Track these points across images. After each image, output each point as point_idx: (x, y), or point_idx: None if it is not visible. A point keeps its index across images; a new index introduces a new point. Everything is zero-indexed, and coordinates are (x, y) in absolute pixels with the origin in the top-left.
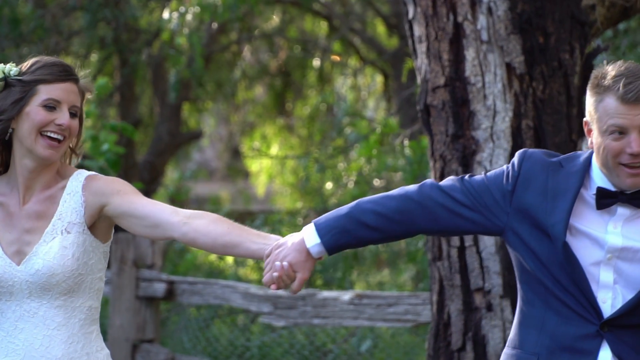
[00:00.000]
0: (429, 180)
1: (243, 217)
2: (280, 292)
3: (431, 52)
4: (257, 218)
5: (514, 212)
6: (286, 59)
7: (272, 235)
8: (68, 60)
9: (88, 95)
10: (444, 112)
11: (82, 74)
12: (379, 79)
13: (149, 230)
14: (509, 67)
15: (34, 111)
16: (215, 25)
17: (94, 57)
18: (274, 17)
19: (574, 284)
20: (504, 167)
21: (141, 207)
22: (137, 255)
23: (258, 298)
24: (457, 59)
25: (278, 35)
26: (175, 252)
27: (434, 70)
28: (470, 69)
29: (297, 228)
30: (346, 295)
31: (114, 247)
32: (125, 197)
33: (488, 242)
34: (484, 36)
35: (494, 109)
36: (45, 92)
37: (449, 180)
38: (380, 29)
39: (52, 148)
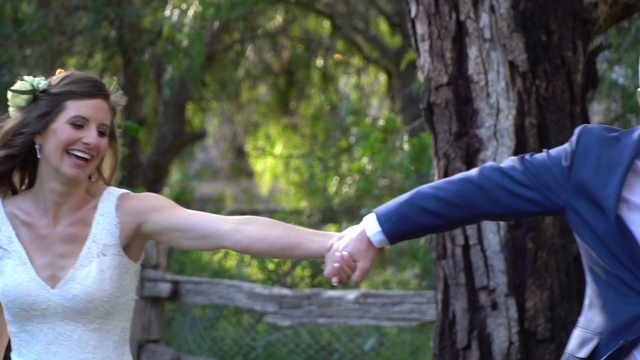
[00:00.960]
0: (490, 162)
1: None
2: (285, 291)
3: (434, 51)
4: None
5: (572, 189)
6: (290, 58)
7: (332, 232)
8: (72, 61)
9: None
10: (447, 111)
11: (113, 88)
12: (383, 77)
13: (196, 243)
14: (512, 65)
15: (61, 128)
16: (217, 23)
17: (98, 57)
18: (277, 16)
19: (631, 259)
20: (566, 144)
21: (184, 220)
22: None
23: (263, 297)
24: (460, 57)
25: (281, 35)
26: (180, 252)
27: (436, 68)
28: (473, 67)
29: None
30: (351, 295)
31: None
32: (163, 213)
33: (492, 241)
34: (487, 34)
35: (497, 107)
36: (73, 108)
37: (509, 161)
38: (383, 27)
39: (78, 167)
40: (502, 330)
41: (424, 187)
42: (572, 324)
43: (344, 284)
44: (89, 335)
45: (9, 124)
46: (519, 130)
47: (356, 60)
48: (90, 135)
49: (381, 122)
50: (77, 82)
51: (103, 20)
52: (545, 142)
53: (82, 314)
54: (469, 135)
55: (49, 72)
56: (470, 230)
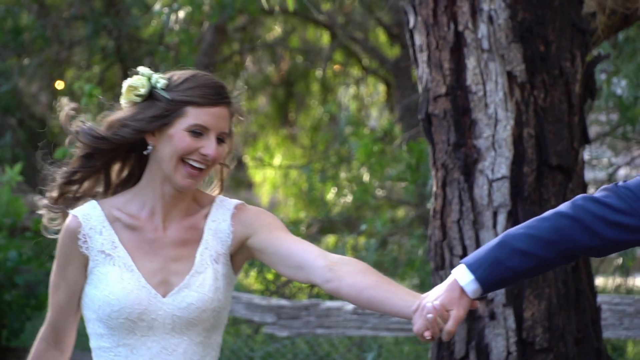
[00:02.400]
0: (582, 194)
1: None
2: (283, 301)
3: (432, 61)
4: None
5: None
6: (289, 69)
7: (424, 294)
8: (70, 72)
9: (240, 118)
10: (446, 121)
11: (236, 94)
12: (382, 88)
13: (291, 272)
14: (510, 76)
15: (179, 136)
16: (207, 25)
17: (96, 67)
18: (276, 27)
19: None
20: None
21: (287, 246)
22: None
23: (261, 308)
24: (458, 68)
25: (280, 46)
26: None
27: (435, 79)
28: (471, 77)
29: (300, 237)
30: (350, 305)
31: None
32: (273, 233)
33: None
34: (485, 45)
35: (496, 118)
36: (193, 116)
37: (601, 190)
38: (382, 38)
39: (192, 177)
40: (500, 341)
41: (514, 229)
42: (570, 334)
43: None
44: (194, 350)
45: (117, 114)
46: (517, 140)
47: (355, 71)
48: (209, 146)
49: (379, 131)
50: (199, 88)
51: (101, 30)
52: (543, 153)
53: (191, 326)
54: (467, 145)
55: (47, 82)
56: (469, 240)
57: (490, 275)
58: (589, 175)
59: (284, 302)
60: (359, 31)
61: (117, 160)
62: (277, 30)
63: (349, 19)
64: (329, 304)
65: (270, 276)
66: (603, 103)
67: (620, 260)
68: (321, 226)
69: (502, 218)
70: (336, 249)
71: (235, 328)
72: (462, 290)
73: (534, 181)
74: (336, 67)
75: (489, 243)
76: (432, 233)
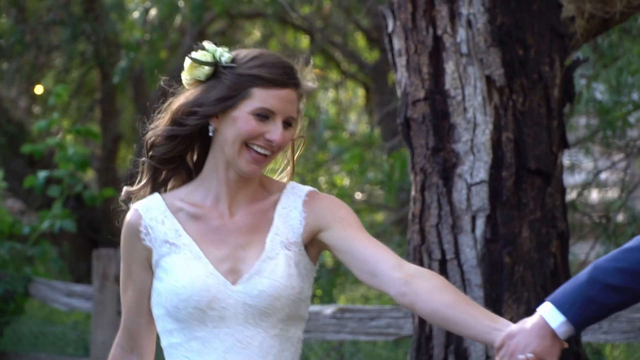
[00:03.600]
0: None
1: None
2: None
3: (411, 66)
4: None
5: None
6: None
7: (502, 319)
8: (49, 78)
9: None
10: (424, 125)
11: (305, 73)
12: (360, 92)
13: (364, 276)
14: (489, 80)
15: (243, 119)
16: (178, 21)
17: (75, 72)
18: (255, 31)
19: None
20: None
21: (362, 249)
22: (118, 270)
23: None
24: (437, 72)
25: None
26: None
27: (413, 83)
28: (450, 82)
29: None
30: (328, 309)
31: (95, 263)
32: (348, 230)
33: (469, 255)
34: (464, 49)
35: (474, 122)
36: (259, 98)
37: None
38: (361, 42)
39: (256, 163)
40: (478, 345)
41: (601, 262)
42: None
43: (321, 297)
44: (270, 343)
45: (181, 100)
46: (496, 144)
47: (334, 75)
48: (275, 131)
49: (359, 137)
50: (267, 67)
51: (80, 35)
52: (522, 157)
53: (265, 316)
54: (446, 150)
55: (25, 87)
56: (447, 244)
57: (583, 315)
58: (569, 179)
59: None
60: (337, 35)
61: (187, 148)
62: (256, 34)
63: (327, 23)
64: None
65: None
66: (583, 107)
67: None
68: None
69: (480, 222)
70: None
71: None
72: (553, 335)
73: (513, 185)
74: (315, 71)
75: (576, 279)
76: (411, 237)
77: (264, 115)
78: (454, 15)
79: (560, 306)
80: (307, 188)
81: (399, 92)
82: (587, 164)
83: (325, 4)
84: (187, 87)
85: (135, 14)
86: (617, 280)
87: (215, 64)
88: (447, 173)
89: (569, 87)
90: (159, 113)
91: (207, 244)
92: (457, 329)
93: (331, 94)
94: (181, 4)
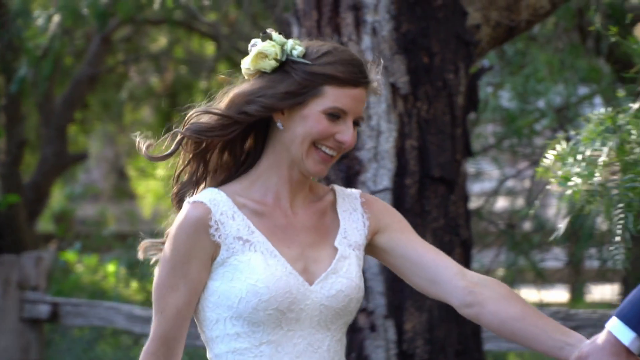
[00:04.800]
0: None
1: (127, 236)
2: None
3: None
4: (142, 238)
5: None
6: (173, 80)
7: (574, 333)
8: None
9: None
10: None
11: (375, 73)
12: None
13: (422, 283)
14: (394, 87)
15: (315, 117)
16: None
17: None
18: (161, 37)
19: None
20: None
21: (421, 253)
22: (21, 276)
23: (142, 319)
24: None
25: (165, 56)
26: (60, 273)
27: None
28: None
29: None
30: None
31: None
32: (405, 234)
33: (372, 262)
34: (369, 56)
35: (378, 129)
36: (332, 97)
37: None
38: None
39: (324, 163)
40: (380, 352)
41: None
42: (451, 346)
43: None
44: (335, 348)
45: (242, 88)
46: (400, 152)
47: (239, 82)
48: (346, 132)
49: None
50: (341, 64)
51: None
52: (425, 165)
53: (336, 318)
54: (350, 157)
55: None
56: None
57: None
58: (476, 187)
59: None
60: (243, 42)
61: (237, 140)
62: (162, 40)
63: (233, 30)
64: None
65: (150, 286)
66: (490, 115)
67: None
68: None
69: None
70: None
71: (115, 339)
72: (627, 352)
73: (416, 193)
74: (220, 77)
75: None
76: None
77: (335, 115)
78: (359, 23)
79: (629, 321)
80: (355, 190)
81: None
82: (494, 172)
83: (231, 11)
84: (246, 77)
85: (40, 21)
86: None
87: (284, 57)
88: (351, 180)
89: (474, 95)
90: (210, 101)
91: (277, 242)
92: (527, 343)
93: None
94: (85, 11)
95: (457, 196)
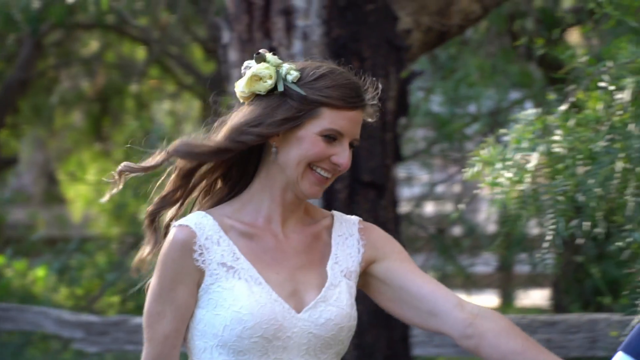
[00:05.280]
0: None
1: (57, 241)
2: (93, 317)
3: None
4: (72, 243)
5: None
6: (104, 84)
7: None
8: None
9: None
10: None
11: (371, 96)
12: (197, 103)
13: (421, 315)
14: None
15: (311, 140)
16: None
17: None
18: (93, 42)
19: None
20: None
21: (420, 284)
22: None
23: (70, 324)
24: None
25: (96, 61)
26: None
27: None
28: None
29: (111, 255)
30: None
31: None
32: (404, 264)
33: None
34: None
35: None
36: (328, 119)
37: None
38: (198, 54)
39: (319, 185)
40: None
41: None
42: (380, 351)
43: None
44: None
45: (239, 117)
46: None
47: (170, 87)
48: (342, 155)
49: None
50: (338, 88)
51: None
52: (356, 169)
53: (326, 348)
54: None
55: None
56: None
57: None
58: (406, 192)
59: (93, 318)
60: (174, 47)
61: (231, 164)
62: (93, 45)
63: (164, 34)
64: (139, 320)
65: (80, 291)
66: (421, 120)
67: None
68: (133, 242)
69: None
70: None
71: (44, 344)
72: None
73: (346, 198)
74: (152, 82)
75: None
76: None
77: (332, 137)
78: (289, 27)
79: (638, 355)
80: (354, 217)
81: (233, 104)
82: (424, 176)
83: (162, 15)
84: (241, 99)
85: None
86: None
87: (279, 80)
88: None
89: (404, 99)
90: (208, 131)
91: (264, 267)
92: None
93: (167, 105)
94: (18, 15)
95: (387, 201)
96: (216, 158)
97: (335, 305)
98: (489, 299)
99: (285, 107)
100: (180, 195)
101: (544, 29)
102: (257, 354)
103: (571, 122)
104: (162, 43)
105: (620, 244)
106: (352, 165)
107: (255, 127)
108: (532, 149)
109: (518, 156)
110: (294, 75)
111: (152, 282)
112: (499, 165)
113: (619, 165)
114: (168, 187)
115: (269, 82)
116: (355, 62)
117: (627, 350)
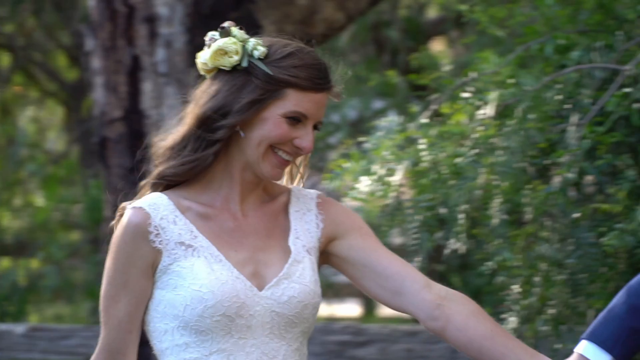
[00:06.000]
0: None
1: None
2: None
3: (109, 85)
4: None
5: None
6: None
7: (541, 356)
8: None
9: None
10: (121, 145)
11: (338, 76)
12: (60, 111)
13: (384, 294)
14: (187, 100)
15: (274, 121)
16: None
17: None
18: None
19: None
20: None
21: (386, 263)
22: None
23: None
24: (134, 92)
25: None
26: None
27: (111, 102)
28: (147, 101)
29: None
30: (20, 328)
31: None
32: (367, 240)
33: None
34: (162, 69)
35: None
36: (293, 100)
37: None
38: (62, 60)
39: (280, 167)
40: None
41: (634, 285)
42: None
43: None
44: (292, 358)
45: (206, 103)
46: None
47: (34, 93)
48: (306, 138)
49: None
50: (305, 68)
51: None
52: None
53: (291, 327)
54: (142, 170)
55: None
56: None
57: (629, 349)
58: None
59: None
60: (39, 53)
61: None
62: None
63: (29, 41)
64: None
65: None
66: None
67: None
68: None
69: None
70: (8, 274)
71: None
72: None
73: None
74: (16, 89)
75: (613, 310)
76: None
77: (296, 119)
78: (153, 35)
79: (603, 343)
80: (314, 191)
81: (96, 112)
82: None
83: (28, 22)
84: (202, 71)
85: None
86: None
87: (246, 56)
88: None
89: None
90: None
91: (224, 246)
92: None
93: (30, 112)
94: None
95: None
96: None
97: (298, 282)
98: (351, 308)
99: (250, 88)
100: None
101: (408, 38)
102: (220, 333)
103: (433, 132)
104: (26, 50)
105: (483, 259)
106: None
107: (223, 117)
108: (397, 161)
109: (382, 171)
110: (260, 51)
111: (107, 265)
112: (363, 178)
113: (483, 179)
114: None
115: (235, 58)
116: None
117: (590, 339)
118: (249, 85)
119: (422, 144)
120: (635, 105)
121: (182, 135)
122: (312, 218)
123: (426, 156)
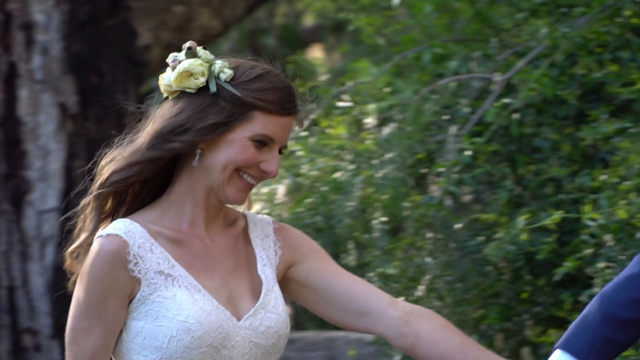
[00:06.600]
0: None
1: None
2: None
3: None
4: None
5: None
6: None
7: None
8: None
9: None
10: None
11: (303, 102)
12: None
13: (348, 317)
14: (63, 107)
15: (241, 144)
16: None
17: None
18: None
19: None
20: None
21: (347, 284)
22: None
23: None
24: (11, 98)
25: None
26: None
27: None
28: (23, 108)
29: None
30: None
31: None
32: (326, 263)
33: (38, 282)
34: (39, 76)
35: (47, 149)
36: (261, 123)
37: None
38: None
39: (245, 191)
40: None
41: (609, 293)
42: None
43: None
44: None
45: (165, 120)
46: (68, 172)
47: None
48: (272, 162)
49: None
50: (274, 91)
51: None
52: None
53: (266, 357)
54: (18, 176)
55: None
56: (16, 271)
57: (603, 358)
58: None
59: None
60: None
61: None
62: None
63: None
64: None
65: None
66: None
67: None
68: None
69: (50, 250)
70: None
71: None
72: None
73: None
74: None
75: (587, 318)
76: None
77: (263, 142)
78: (30, 42)
79: (577, 353)
80: (266, 217)
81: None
82: None
83: None
84: (165, 93)
85: None
86: (634, 313)
87: (211, 78)
88: (18, 200)
89: (143, 113)
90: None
91: (198, 274)
92: None
93: None
94: None
95: None
96: (146, 170)
97: (273, 312)
98: None
99: (217, 109)
100: (109, 209)
101: (285, 46)
102: None
103: (312, 141)
104: None
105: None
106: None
107: (183, 133)
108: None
109: (265, 189)
110: (227, 73)
111: (77, 296)
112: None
113: (363, 192)
114: (89, 214)
115: (201, 80)
116: (94, 77)
117: (564, 348)
118: (215, 106)
119: (302, 157)
120: (514, 116)
121: (135, 148)
122: (270, 244)
123: (306, 172)
